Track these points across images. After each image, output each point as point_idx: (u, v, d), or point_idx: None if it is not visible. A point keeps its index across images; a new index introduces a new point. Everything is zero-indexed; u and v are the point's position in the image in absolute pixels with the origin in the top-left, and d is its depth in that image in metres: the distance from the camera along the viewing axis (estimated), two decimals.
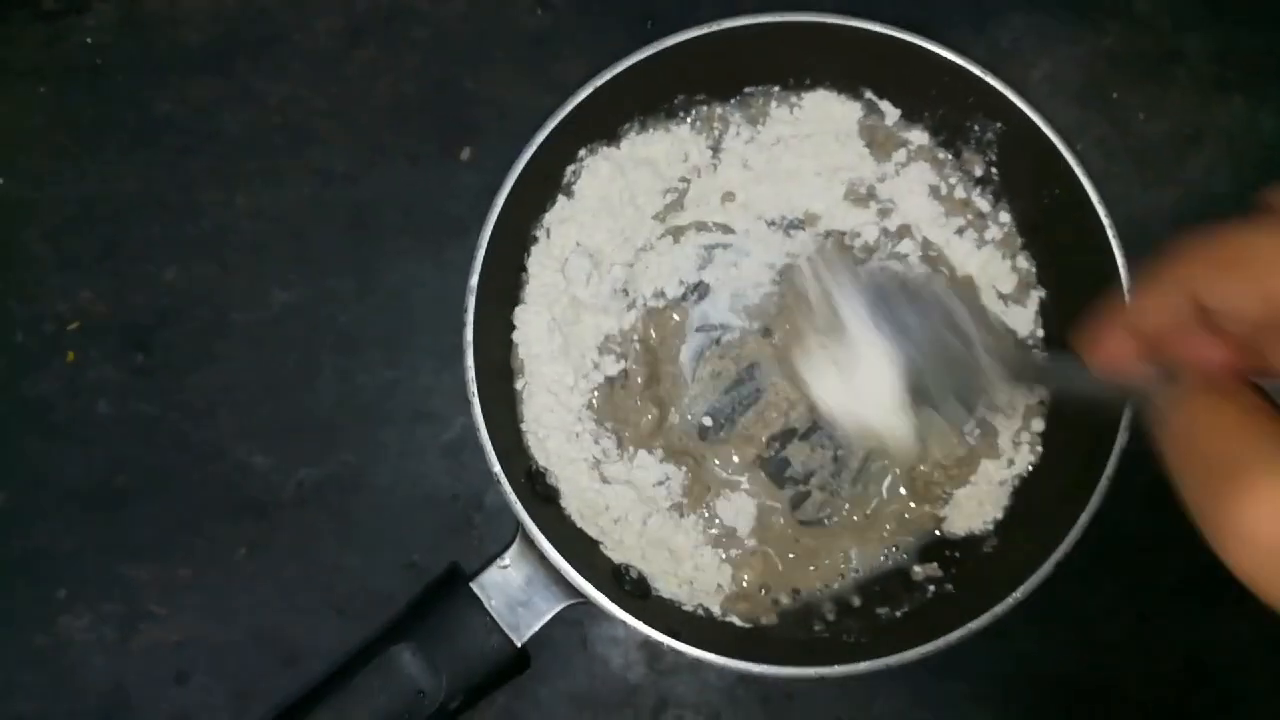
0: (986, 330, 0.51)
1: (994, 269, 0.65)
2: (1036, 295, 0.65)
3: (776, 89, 0.66)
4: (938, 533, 0.64)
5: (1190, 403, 0.33)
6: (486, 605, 0.58)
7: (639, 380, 0.65)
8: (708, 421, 0.65)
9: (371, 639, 0.59)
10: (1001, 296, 0.65)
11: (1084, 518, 0.55)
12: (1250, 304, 0.30)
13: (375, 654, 0.57)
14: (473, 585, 0.58)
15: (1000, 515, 0.63)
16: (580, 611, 0.60)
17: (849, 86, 0.65)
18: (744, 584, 0.62)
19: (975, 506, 0.63)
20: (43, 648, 0.66)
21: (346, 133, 0.71)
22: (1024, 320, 0.65)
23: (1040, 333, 0.65)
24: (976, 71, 0.60)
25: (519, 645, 0.58)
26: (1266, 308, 0.30)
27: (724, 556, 0.63)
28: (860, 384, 0.52)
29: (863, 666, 0.55)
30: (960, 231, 0.65)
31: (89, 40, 0.72)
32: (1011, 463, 0.63)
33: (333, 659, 0.60)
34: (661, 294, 0.66)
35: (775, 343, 0.65)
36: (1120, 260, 0.57)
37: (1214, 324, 0.32)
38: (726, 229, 0.67)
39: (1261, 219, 0.32)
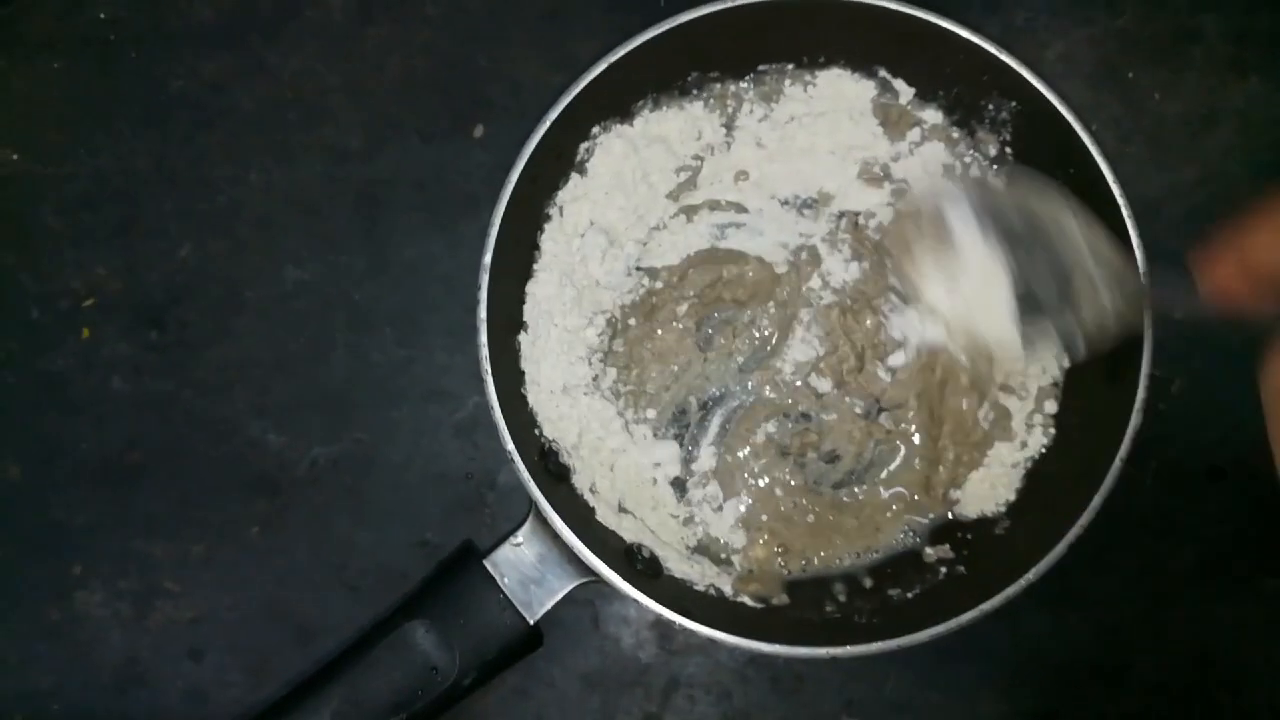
0: (1096, 243, 0.52)
1: None
2: None
3: (790, 67, 0.65)
4: (950, 514, 0.63)
5: None
6: (499, 583, 0.58)
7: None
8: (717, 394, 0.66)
9: (385, 615, 0.59)
10: None
11: (1096, 500, 0.55)
12: None
13: (389, 630, 0.57)
14: (486, 563, 0.58)
15: (1012, 497, 0.63)
16: (592, 591, 0.60)
17: (863, 65, 0.65)
18: (759, 546, 0.63)
19: (988, 488, 0.63)
20: (58, 622, 0.66)
21: (359, 109, 0.71)
22: None
23: None
24: (991, 50, 0.60)
25: (532, 623, 0.58)
26: None
27: (737, 515, 0.63)
28: (971, 293, 0.53)
29: (874, 647, 0.56)
30: None
31: (102, 15, 0.71)
32: (1024, 445, 0.63)
33: (346, 636, 0.60)
34: None
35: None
36: (1135, 240, 0.57)
37: None
38: (740, 208, 0.66)
39: None
